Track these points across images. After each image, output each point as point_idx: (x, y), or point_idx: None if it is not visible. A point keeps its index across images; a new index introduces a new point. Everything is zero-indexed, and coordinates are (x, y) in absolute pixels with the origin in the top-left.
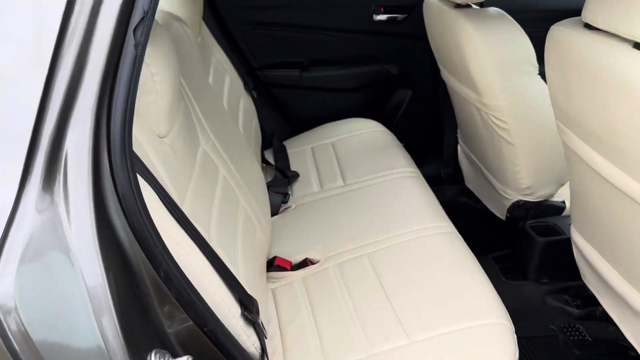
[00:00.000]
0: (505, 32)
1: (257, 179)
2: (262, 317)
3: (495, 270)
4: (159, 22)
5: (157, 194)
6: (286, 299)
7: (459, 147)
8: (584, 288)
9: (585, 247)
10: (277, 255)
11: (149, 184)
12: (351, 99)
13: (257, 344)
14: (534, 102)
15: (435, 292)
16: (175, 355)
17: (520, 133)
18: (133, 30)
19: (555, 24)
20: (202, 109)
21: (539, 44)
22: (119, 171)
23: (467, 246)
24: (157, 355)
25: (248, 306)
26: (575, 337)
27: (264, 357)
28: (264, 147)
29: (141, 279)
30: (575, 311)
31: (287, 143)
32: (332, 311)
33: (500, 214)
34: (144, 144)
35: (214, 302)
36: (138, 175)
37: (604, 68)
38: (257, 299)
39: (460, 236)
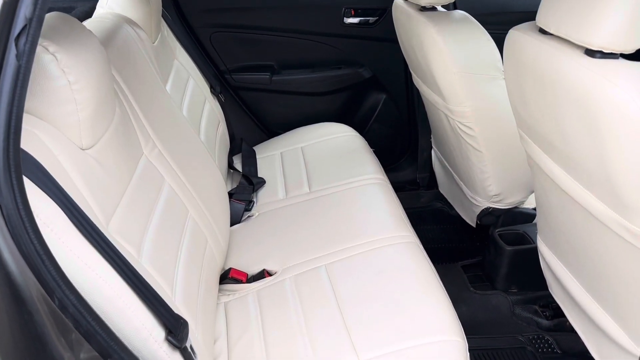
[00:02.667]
0: (468, 36)
1: (216, 187)
2: (208, 335)
3: (463, 279)
4: (109, 25)
5: (66, 212)
6: (238, 313)
7: (432, 152)
8: (553, 298)
9: (550, 258)
10: (233, 266)
11: (56, 201)
12: (323, 103)
13: None
14: (500, 107)
15: (389, 307)
16: None
17: (487, 140)
18: (15, 39)
19: (513, 27)
20: (148, 116)
21: None
22: (2, 190)
23: (427, 257)
24: None
25: (173, 330)
26: (544, 349)
27: None
28: (233, 153)
29: (34, 308)
30: (545, 322)
31: (257, 148)
32: (282, 326)
33: (471, 220)
34: (59, 158)
35: (134, 327)
36: (42, 193)
37: (556, 74)
38: (200, 316)
39: (421, 246)
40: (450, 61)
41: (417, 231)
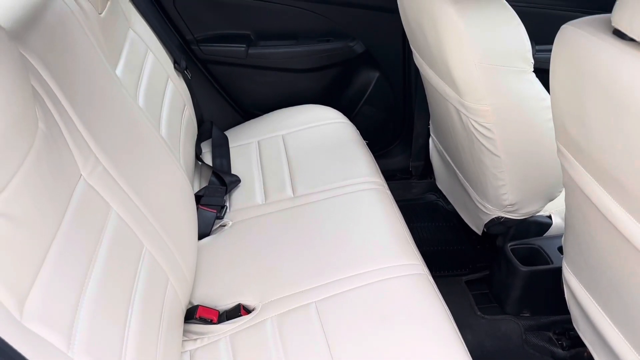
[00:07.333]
0: (496, 19)
1: (180, 197)
2: None
3: (469, 299)
4: None
5: None
6: None
7: (430, 140)
8: (570, 324)
9: (580, 293)
10: (202, 298)
11: None
12: (307, 81)
13: None
14: (526, 107)
15: None
16: None
17: (507, 143)
18: None
19: (569, 23)
20: (89, 122)
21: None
22: None
23: (440, 296)
24: None
25: None
26: None
27: None
28: (201, 139)
29: None
30: (560, 352)
31: (230, 133)
32: None
33: (477, 227)
34: None
35: None
36: None
37: None
38: None
39: (431, 279)
40: (472, 50)
41: (409, 229)
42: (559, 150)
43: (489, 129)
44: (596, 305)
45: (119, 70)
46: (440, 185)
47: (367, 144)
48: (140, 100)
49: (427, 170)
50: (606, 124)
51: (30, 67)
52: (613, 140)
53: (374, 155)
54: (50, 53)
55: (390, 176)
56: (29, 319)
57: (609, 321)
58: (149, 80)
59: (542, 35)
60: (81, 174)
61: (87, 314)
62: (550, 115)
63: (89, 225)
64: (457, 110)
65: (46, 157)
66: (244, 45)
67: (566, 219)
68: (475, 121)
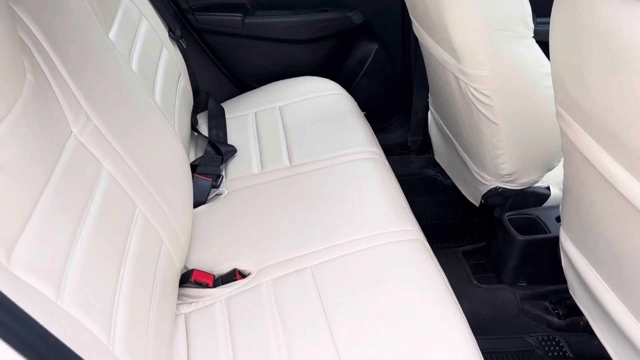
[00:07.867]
0: None
1: (175, 164)
2: None
3: (465, 269)
4: None
5: None
6: (201, 329)
7: (429, 114)
8: (566, 293)
9: (577, 259)
10: (197, 262)
11: None
12: (305, 53)
13: None
14: (526, 73)
15: (393, 334)
16: None
17: (505, 111)
18: None
19: None
20: (80, 80)
21: None
22: None
23: (435, 260)
24: None
25: None
26: (555, 353)
27: None
28: (197, 111)
29: None
30: (556, 321)
31: (226, 105)
32: (257, 349)
33: (474, 199)
34: None
35: None
36: None
37: None
38: (151, 351)
39: (427, 244)
40: (471, 14)
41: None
42: (558, 113)
43: (487, 96)
44: (592, 270)
45: (112, 35)
46: (439, 158)
47: (365, 115)
48: (134, 66)
49: (426, 145)
50: (605, 79)
51: (19, 21)
52: (612, 94)
53: (372, 130)
54: (41, 10)
55: (389, 151)
56: (17, 266)
57: (605, 285)
58: (143, 47)
59: (542, 7)
60: (72, 131)
61: (78, 266)
62: (550, 82)
63: (80, 181)
64: (456, 78)
65: (34, 109)
66: (240, 15)
67: (564, 185)
68: (474, 88)
